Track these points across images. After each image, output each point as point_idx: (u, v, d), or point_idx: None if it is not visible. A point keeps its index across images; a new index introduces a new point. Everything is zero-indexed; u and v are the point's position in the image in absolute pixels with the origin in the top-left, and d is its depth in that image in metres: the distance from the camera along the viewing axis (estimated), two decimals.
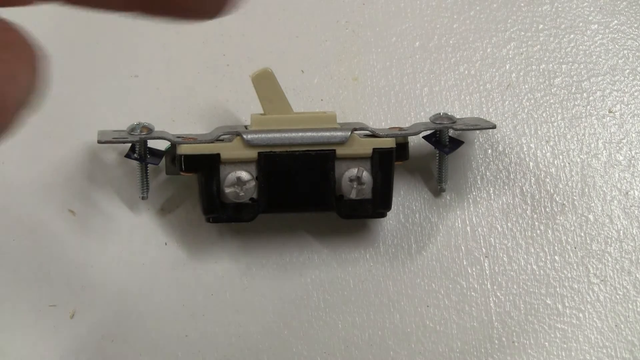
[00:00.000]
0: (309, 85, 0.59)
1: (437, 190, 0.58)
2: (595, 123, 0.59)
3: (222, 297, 0.57)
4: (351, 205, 0.54)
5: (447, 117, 0.55)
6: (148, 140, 0.54)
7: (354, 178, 0.54)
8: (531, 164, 0.59)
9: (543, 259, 0.58)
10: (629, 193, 0.59)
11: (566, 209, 0.58)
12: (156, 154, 0.55)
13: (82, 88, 0.57)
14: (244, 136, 0.53)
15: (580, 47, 0.60)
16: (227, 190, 0.53)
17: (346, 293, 0.57)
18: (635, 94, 0.60)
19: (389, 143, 0.54)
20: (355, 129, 0.54)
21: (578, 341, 0.57)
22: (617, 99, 0.60)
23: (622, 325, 0.57)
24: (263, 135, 0.53)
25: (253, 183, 0.53)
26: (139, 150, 0.54)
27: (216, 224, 0.57)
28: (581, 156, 0.59)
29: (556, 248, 0.58)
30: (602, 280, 0.58)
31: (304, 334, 0.57)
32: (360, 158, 0.54)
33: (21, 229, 0.56)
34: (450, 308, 0.57)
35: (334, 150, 0.53)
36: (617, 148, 0.59)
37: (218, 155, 0.53)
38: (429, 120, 0.56)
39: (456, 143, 0.57)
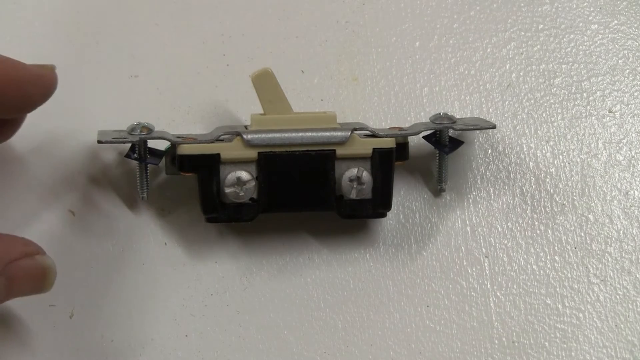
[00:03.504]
0: (309, 85, 0.59)
1: (437, 190, 0.58)
2: (595, 123, 0.59)
3: (222, 297, 0.57)
4: (351, 205, 0.54)
5: (447, 117, 0.55)
6: (148, 140, 0.54)
7: (354, 178, 0.54)
8: (531, 164, 0.59)
9: (543, 259, 0.58)
10: (629, 193, 0.59)
11: (566, 209, 0.58)
12: (156, 154, 0.55)
13: (82, 88, 0.57)
14: (244, 136, 0.53)
15: (580, 47, 0.60)
16: (227, 190, 0.53)
17: (346, 293, 0.57)
18: (635, 94, 0.60)
19: (389, 143, 0.54)
20: (355, 129, 0.54)
21: (578, 341, 0.57)
22: (617, 99, 0.60)
23: (622, 325, 0.57)
24: (263, 135, 0.53)
25: (253, 183, 0.53)
26: (139, 150, 0.54)
27: (216, 224, 0.57)
28: (581, 156, 0.59)
29: (556, 248, 0.58)
30: (602, 280, 0.58)
31: (304, 334, 0.57)
32: (360, 158, 0.54)
33: (21, 229, 0.56)
34: (450, 308, 0.57)
35: (334, 150, 0.53)
36: (617, 148, 0.59)
37: (218, 155, 0.53)
38: (429, 120, 0.56)
39: (456, 143, 0.57)
